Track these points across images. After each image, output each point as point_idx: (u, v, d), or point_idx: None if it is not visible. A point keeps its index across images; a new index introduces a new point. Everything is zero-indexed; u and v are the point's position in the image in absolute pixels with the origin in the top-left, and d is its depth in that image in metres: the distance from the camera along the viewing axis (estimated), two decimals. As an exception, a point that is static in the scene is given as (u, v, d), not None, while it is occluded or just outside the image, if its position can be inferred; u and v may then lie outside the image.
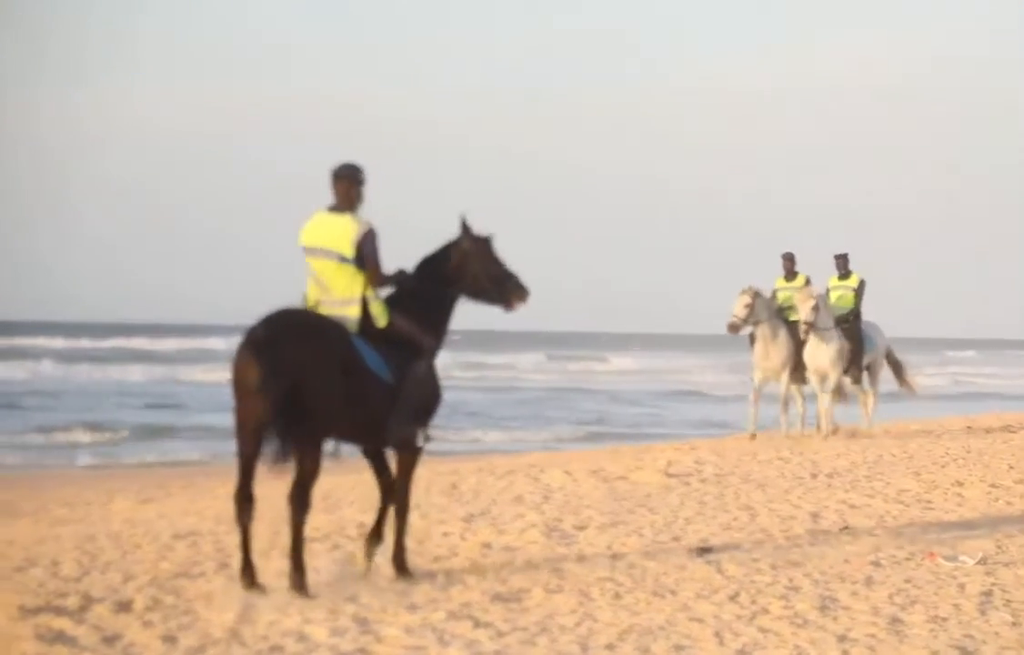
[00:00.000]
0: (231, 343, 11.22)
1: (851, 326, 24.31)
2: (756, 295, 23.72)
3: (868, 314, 24.89)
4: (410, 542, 11.56)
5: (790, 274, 24.72)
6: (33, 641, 9.17)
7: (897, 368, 25.49)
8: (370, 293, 11.01)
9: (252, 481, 10.54)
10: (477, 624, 9.78)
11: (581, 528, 13.94)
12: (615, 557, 12.49)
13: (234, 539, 11.64)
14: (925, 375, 74.00)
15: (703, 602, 10.64)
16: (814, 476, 18.29)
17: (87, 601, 10.38)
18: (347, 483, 17.34)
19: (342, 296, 10.97)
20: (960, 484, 17.48)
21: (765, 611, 10.43)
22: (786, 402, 24.17)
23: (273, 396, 10.25)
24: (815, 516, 14.98)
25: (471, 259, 11.45)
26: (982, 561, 12.47)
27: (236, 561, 11.06)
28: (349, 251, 10.94)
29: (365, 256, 10.97)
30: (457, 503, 15.66)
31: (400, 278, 11.26)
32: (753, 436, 23.44)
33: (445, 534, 13.51)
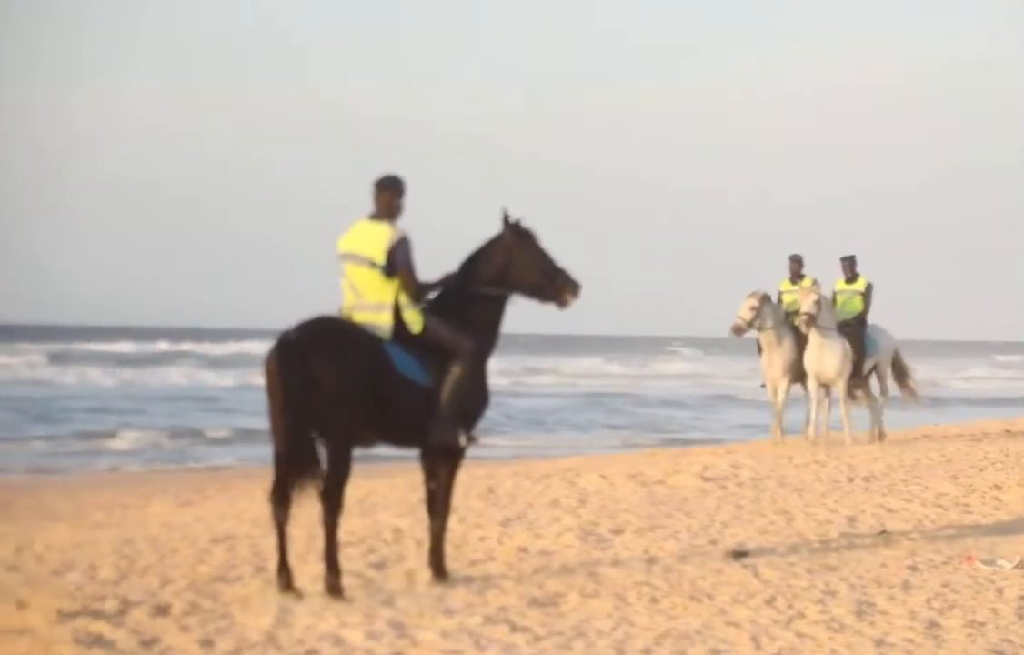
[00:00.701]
0: (264, 346, 11.29)
1: (854, 330, 23.54)
2: (764, 299, 23.15)
3: (877, 317, 24.27)
4: (447, 546, 11.58)
5: (796, 277, 24.08)
6: (71, 645, 9.21)
7: (901, 373, 24.67)
8: (403, 299, 11.05)
9: (288, 482, 10.61)
10: (514, 628, 9.78)
11: (617, 532, 13.93)
12: (651, 561, 12.49)
13: (271, 543, 11.68)
14: (968, 378, 73.83)
15: (739, 606, 10.63)
16: (851, 480, 18.23)
17: (125, 605, 10.43)
18: (383, 487, 17.38)
19: (375, 301, 11.03)
20: (998, 488, 17.41)
21: (801, 615, 10.42)
22: (781, 410, 23.45)
23: (300, 400, 10.36)
24: (852, 520, 14.95)
25: (516, 254, 11.43)
26: (1020, 565, 12.42)
27: (273, 565, 11.10)
28: (380, 258, 11.01)
29: (396, 263, 11.02)
30: (494, 507, 15.67)
31: (439, 285, 11.28)
32: (776, 442, 23.11)
33: (482, 538, 13.52)
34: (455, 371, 11.03)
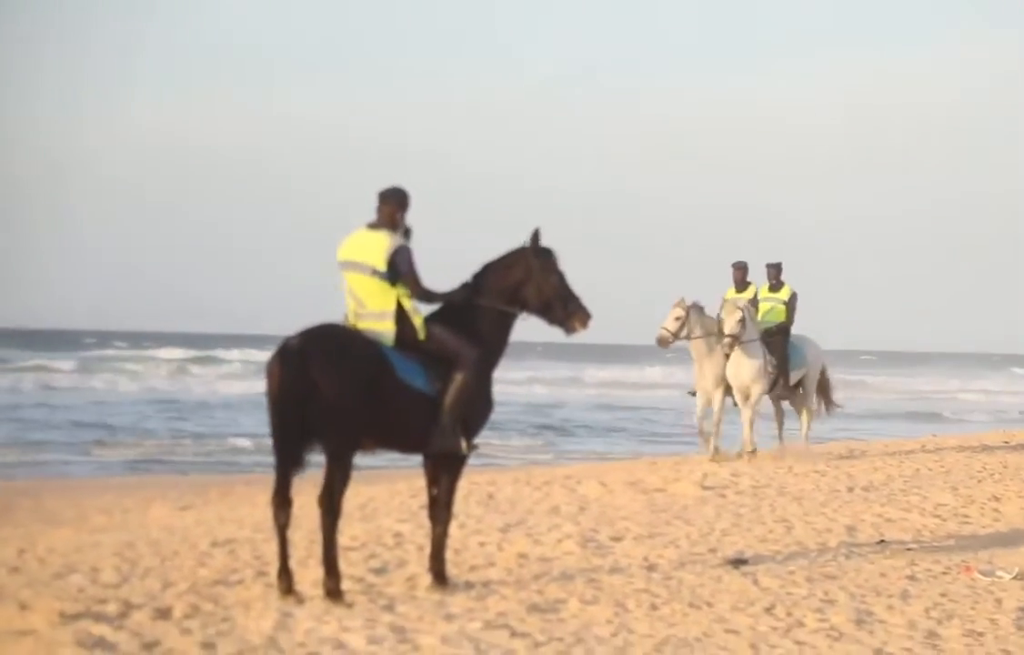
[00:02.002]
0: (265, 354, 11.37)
1: (776, 340, 22.77)
2: (690, 308, 22.34)
3: (803, 327, 23.49)
4: (447, 552, 11.61)
5: (741, 285, 23.05)
6: (73, 647, 9.24)
7: (824, 386, 23.84)
8: (408, 305, 11.10)
9: (289, 485, 10.69)
10: (513, 634, 9.82)
11: (617, 539, 13.98)
12: (651, 568, 12.53)
13: (272, 547, 11.71)
14: (982, 392, 73.62)
15: (739, 614, 10.66)
16: (850, 490, 18.29)
17: (126, 608, 10.47)
18: (384, 493, 17.42)
19: (376, 309, 11.09)
20: (997, 499, 17.45)
21: (800, 624, 10.46)
22: (719, 422, 22.56)
23: (300, 406, 10.42)
24: (851, 529, 14.98)
25: (534, 272, 11.47)
26: (1019, 576, 12.46)
27: (274, 569, 11.14)
28: (382, 265, 11.07)
29: (399, 269, 11.08)
30: (494, 513, 15.71)
31: (450, 295, 11.31)
32: (713, 458, 22.14)
33: (482, 544, 13.56)
34: (458, 378, 11.09)
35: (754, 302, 22.94)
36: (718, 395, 22.60)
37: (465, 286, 11.43)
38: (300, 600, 10.66)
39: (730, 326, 22.19)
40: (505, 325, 11.52)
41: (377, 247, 11.12)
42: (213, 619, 10.09)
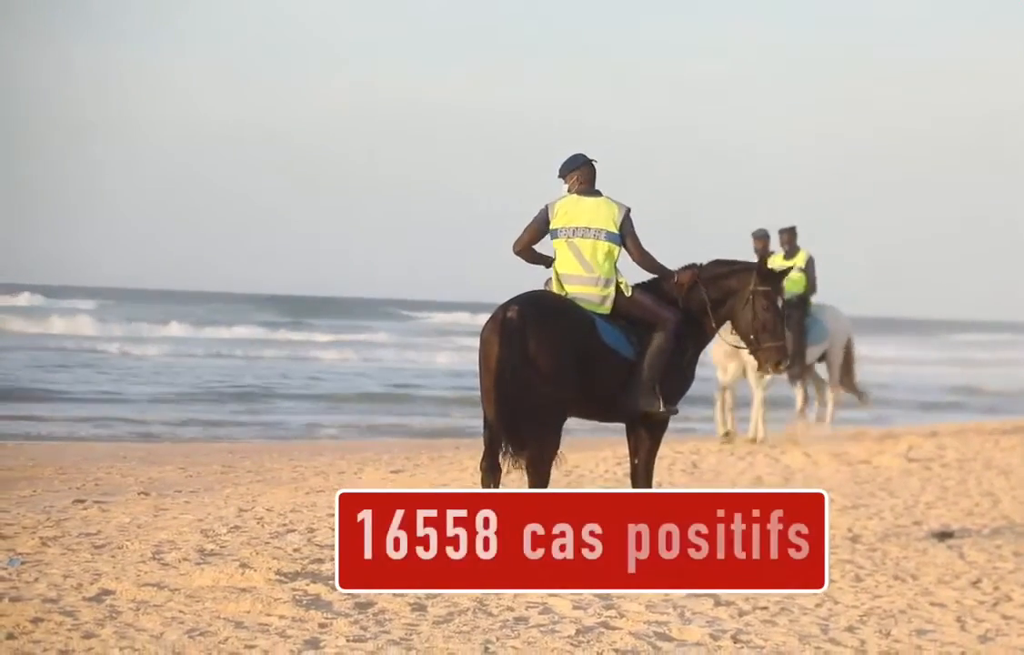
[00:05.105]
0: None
1: (794, 312, 20.12)
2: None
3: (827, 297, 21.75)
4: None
5: (790, 251, 21.30)
6: (290, 604, 9.52)
7: (848, 366, 21.98)
8: (613, 271, 11.27)
9: (499, 451, 10.87)
10: (718, 602, 9.94)
11: (821, 510, 13.97)
12: (855, 539, 12.54)
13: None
14: None
15: (944, 587, 10.66)
16: (1060, 464, 18.04)
17: (341, 568, 10.75)
18: (589, 461, 17.60)
19: (605, 275, 11.22)
20: None
21: (1008, 598, 10.42)
22: (725, 402, 20.83)
23: (516, 376, 10.63)
24: (1060, 504, 14.82)
25: (748, 291, 11.51)
26: None
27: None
28: (615, 228, 11.23)
29: (628, 235, 11.26)
30: (698, 482, 15.81)
31: (669, 271, 11.44)
32: (753, 440, 20.98)
33: (686, 513, 13.65)
34: (656, 339, 11.22)
35: None
36: (731, 369, 20.75)
37: (687, 268, 11.50)
38: (508, 564, 10.87)
39: None
40: (707, 320, 11.58)
41: (606, 212, 11.28)
42: (424, 581, 10.33)
